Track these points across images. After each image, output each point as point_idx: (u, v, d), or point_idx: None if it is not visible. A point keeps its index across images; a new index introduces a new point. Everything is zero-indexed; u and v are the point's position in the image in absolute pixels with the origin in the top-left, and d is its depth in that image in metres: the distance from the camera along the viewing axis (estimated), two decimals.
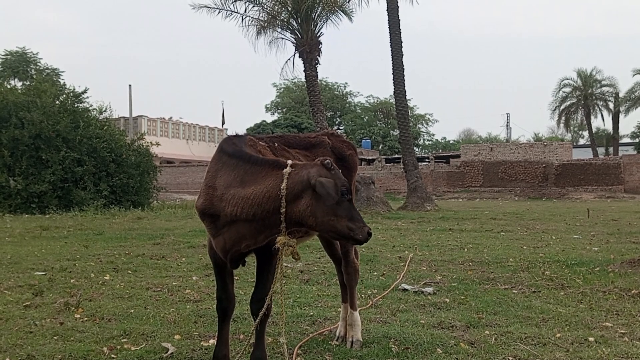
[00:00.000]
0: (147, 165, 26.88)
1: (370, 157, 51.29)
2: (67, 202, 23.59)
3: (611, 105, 60.11)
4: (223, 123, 71.16)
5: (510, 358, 4.18)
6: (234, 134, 3.93)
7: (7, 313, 5.72)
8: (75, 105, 26.16)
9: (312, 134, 4.56)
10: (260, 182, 3.40)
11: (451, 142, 76.82)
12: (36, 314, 5.73)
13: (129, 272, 8.38)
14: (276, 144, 4.08)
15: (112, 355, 4.27)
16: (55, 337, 4.85)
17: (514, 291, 6.68)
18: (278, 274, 3.58)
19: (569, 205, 30.07)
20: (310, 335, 4.82)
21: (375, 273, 7.99)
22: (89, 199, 23.55)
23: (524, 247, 10.78)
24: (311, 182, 3.29)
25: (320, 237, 4.67)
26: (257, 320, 3.70)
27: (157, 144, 28.47)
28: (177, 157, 58.07)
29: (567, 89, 62.08)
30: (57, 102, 25.78)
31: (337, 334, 4.73)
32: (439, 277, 7.54)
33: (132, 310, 5.82)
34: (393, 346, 4.48)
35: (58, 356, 4.24)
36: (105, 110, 27.45)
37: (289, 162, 3.44)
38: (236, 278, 7.15)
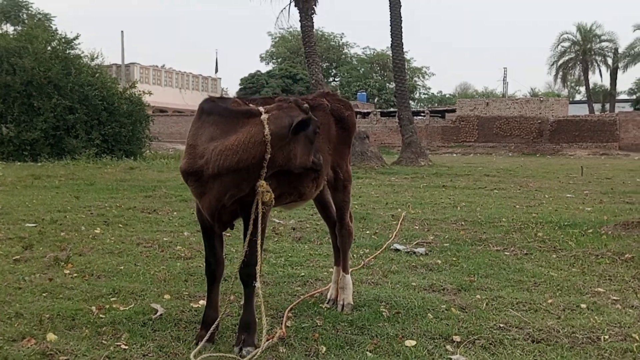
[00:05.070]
0: (140, 114, 26.62)
1: (366, 111, 50.94)
2: (59, 150, 23.49)
3: (610, 61, 59.70)
4: (216, 71, 70.49)
5: (501, 325, 4.14)
6: (219, 95, 3.83)
7: None
8: (67, 52, 25.78)
9: (310, 96, 4.43)
10: (240, 130, 3.41)
11: (447, 96, 76.42)
12: (25, 268, 5.68)
13: (120, 225, 8.32)
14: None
15: (101, 315, 4.22)
16: (44, 294, 4.81)
17: (505, 253, 6.65)
18: (255, 213, 3.60)
19: (563, 162, 30.08)
20: (301, 297, 4.78)
21: (367, 232, 7.96)
22: (80, 147, 23.45)
23: (517, 206, 10.75)
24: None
25: (315, 201, 4.60)
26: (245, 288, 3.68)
27: (150, 93, 28.11)
28: (170, 106, 57.57)
29: (566, 44, 61.58)
30: (49, 48, 25.38)
31: (328, 297, 4.70)
32: (431, 237, 7.51)
33: (122, 267, 5.77)
34: (384, 310, 4.45)
35: (46, 315, 4.19)
36: (97, 57, 27.09)
37: (261, 109, 3.52)
38: (228, 235, 7.12)
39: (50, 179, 15.17)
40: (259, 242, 3.60)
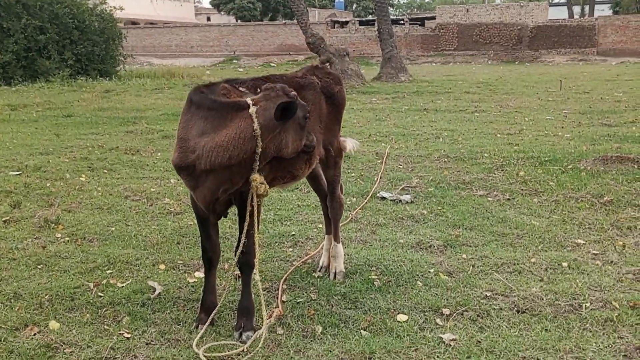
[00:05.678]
0: (112, 32, 26.03)
1: (344, 20, 49.78)
2: (33, 72, 23.06)
3: None
4: None
5: (488, 293, 4.30)
6: (207, 82, 3.75)
7: None
8: None
9: (299, 73, 4.35)
10: (229, 125, 3.36)
11: (427, 0, 74.81)
12: (16, 232, 5.73)
13: (105, 171, 8.33)
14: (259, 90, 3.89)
15: (99, 294, 4.30)
16: (39, 266, 4.87)
17: (489, 199, 6.79)
18: (251, 206, 3.63)
19: (542, 71, 30.07)
20: (294, 265, 4.90)
21: (353, 174, 8.03)
22: (54, 68, 23.03)
23: (498, 135, 10.86)
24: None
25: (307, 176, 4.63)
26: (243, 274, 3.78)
27: (121, 9, 27.28)
28: (142, 17, 55.84)
29: None
30: None
31: (320, 264, 4.81)
32: (416, 180, 7.61)
33: (113, 229, 5.82)
34: (375, 277, 4.59)
35: (45, 296, 4.26)
36: None
37: (248, 100, 3.43)
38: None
39: (27, 110, 14.97)
40: (256, 234, 3.66)
